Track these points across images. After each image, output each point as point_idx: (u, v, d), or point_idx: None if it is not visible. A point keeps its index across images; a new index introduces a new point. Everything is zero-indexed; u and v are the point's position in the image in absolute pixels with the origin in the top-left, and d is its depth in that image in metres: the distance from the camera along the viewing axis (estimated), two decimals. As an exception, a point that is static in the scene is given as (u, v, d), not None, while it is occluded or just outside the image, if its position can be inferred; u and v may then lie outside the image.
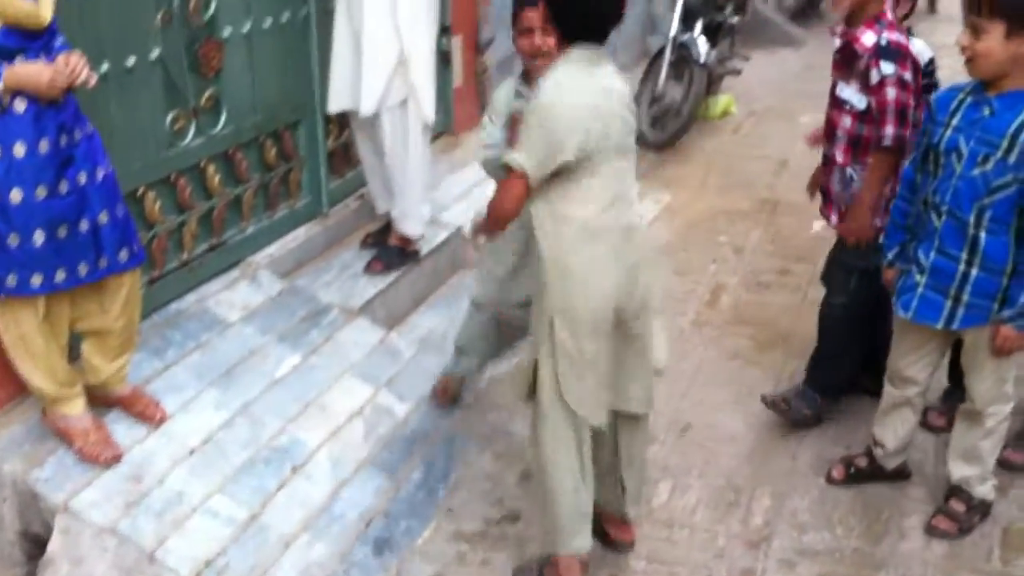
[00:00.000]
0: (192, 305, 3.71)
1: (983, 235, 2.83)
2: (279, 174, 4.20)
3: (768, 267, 5.06)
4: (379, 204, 4.46)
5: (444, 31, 5.37)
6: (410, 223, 4.29)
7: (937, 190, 2.91)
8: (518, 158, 2.60)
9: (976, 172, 2.80)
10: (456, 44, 5.55)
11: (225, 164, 3.89)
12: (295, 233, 4.29)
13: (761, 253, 5.22)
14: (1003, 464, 3.38)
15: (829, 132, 3.51)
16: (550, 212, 2.69)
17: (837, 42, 3.45)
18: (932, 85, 3.66)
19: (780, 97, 8.26)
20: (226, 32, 3.78)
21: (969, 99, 2.87)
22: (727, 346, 4.32)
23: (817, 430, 3.69)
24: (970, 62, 2.79)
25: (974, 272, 2.87)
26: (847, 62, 3.39)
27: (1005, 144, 2.76)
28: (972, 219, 2.83)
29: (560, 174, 2.62)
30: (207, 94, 3.73)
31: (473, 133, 5.79)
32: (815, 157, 6.73)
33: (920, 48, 3.63)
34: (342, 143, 4.63)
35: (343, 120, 4.56)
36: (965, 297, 2.90)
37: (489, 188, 5.27)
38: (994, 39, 2.71)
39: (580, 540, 2.90)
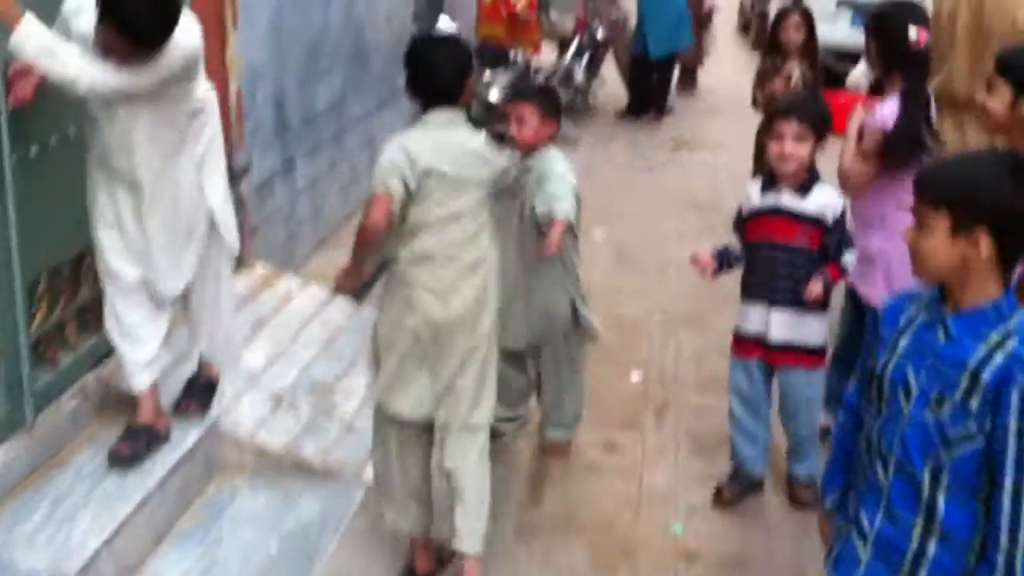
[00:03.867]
0: None
1: (942, 501, 2.13)
2: (-39, 384, 3.10)
3: (590, 439, 4.28)
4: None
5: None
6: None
7: (882, 432, 2.19)
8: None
9: (929, 416, 2.10)
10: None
11: None
12: (-14, 459, 3.18)
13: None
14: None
15: None
16: None
17: None
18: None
19: (566, 207, 7.66)
20: None
21: (922, 315, 2.19)
22: (560, 565, 3.50)
23: None
24: (913, 258, 2.14)
25: (932, 548, 2.16)
26: None
27: (964, 383, 2.07)
28: (927, 477, 2.12)
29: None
30: None
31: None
32: (617, 280, 6.20)
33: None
34: (55, 323, 3.55)
35: (54, 289, 3.53)
36: (921, 579, 2.19)
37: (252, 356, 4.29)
38: (938, 236, 2.06)
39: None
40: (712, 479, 3.92)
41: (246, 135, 5.00)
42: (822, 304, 3.57)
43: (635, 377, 4.86)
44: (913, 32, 3.60)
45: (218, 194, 3.57)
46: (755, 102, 5.95)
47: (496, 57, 7.09)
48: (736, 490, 3.84)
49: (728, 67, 13.51)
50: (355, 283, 3.21)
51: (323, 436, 3.92)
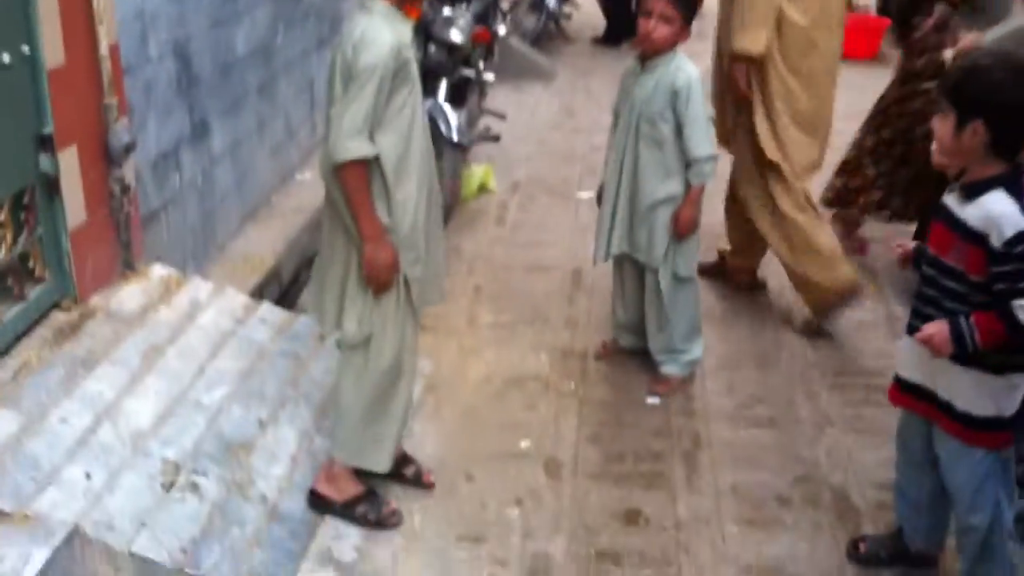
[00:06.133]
0: None
1: None
2: None
3: (607, 506, 3.18)
4: None
5: (45, 143, 3.24)
6: None
7: None
8: None
9: None
10: (69, 161, 3.37)
11: None
12: None
13: (588, 472, 3.34)
14: None
15: None
16: None
17: None
18: None
19: (546, 160, 6.50)
20: None
21: None
22: None
23: None
24: None
25: None
26: None
27: None
28: None
29: None
30: None
31: (111, 292, 3.60)
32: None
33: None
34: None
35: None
36: None
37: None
38: None
39: None
40: (775, 570, 2.86)
41: (134, 101, 3.80)
42: (991, 364, 2.50)
43: (651, 399, 3.76)
44: None
45: None
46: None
47: (457, -10, 5.87)
48: (879, 550, 2.91)
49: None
50: None
51: (237, 529, 2.80)
